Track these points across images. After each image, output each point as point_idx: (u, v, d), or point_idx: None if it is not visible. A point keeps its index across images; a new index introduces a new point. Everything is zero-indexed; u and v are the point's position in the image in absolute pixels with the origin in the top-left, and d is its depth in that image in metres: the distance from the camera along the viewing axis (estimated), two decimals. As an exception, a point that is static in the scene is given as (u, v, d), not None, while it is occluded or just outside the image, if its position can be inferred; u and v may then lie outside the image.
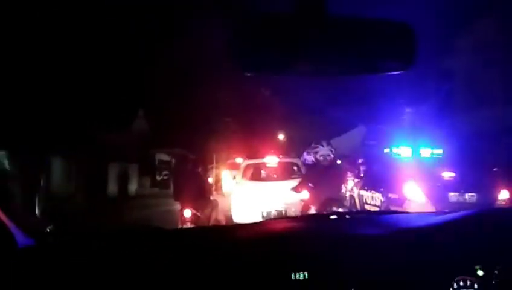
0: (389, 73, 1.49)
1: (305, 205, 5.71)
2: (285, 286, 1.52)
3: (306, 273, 1.52)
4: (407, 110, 11.44)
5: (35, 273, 1.50)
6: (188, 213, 6.62)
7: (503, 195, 6.81)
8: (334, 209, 5.02)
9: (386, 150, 8.99)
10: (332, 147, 5.49)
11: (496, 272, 1.56)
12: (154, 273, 1.53)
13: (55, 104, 10.09)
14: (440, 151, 8.15)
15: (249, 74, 1.41)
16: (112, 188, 18.52)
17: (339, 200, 6.01)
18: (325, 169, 5.47)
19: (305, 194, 5.82)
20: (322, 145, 5.46)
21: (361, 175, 9.62)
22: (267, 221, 2.52)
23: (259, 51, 1.37)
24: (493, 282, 1.56)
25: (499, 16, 8.53)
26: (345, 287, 1.52)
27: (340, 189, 6.49)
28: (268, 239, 1.82)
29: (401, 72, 1.50)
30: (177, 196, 7.00)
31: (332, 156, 5.47)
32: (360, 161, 9.94)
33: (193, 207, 6.67)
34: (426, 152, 8.26)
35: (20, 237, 1.59)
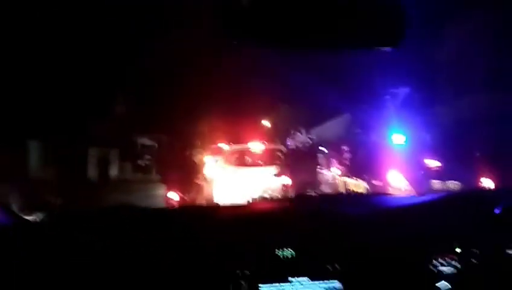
0: (378, 48, 1.49)
1: (285, 189, 5.83)
2: (270, 263, 1.53)
3: (290, 251, 1.53)
4: (391, 95, 11.52)
5: (10, 253, 1.47)
6: (173, 196, 6.65)
7: (485, 183, 6.88)
8: (312, 192, 5.15)
9: (380, 139, 9.04)
10: (310, 134, 5.63)
11: (473, 249, 1.61)
12: (141, 254, 1.51)
13: (33, 87, 9.85)
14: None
15: (238, 44, 1.40)
16: (92, 173, 18.32)
17: (316, 183, 6.17)
18: (304, 155, 5.62)
19: (286, 179, 5.91)
20: (301, 133, 5.59)
21: (345, 162, 9.71)
22: (251, 203, 2.55)
23: (251, 23, 1.37)
24: (471, 259, 1.60)
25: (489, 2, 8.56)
26: (329, 264, 1.53)
27: (317, 173, 6.63)
28: (252, 218, 1.83)
29: (390, 48, 1.50)
30: (163, 179, 7.04)
31: (310, 142, 5.61)
32: (343, 147, 10.01)
33: (179, 190, 6.71)
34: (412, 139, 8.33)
35: None
